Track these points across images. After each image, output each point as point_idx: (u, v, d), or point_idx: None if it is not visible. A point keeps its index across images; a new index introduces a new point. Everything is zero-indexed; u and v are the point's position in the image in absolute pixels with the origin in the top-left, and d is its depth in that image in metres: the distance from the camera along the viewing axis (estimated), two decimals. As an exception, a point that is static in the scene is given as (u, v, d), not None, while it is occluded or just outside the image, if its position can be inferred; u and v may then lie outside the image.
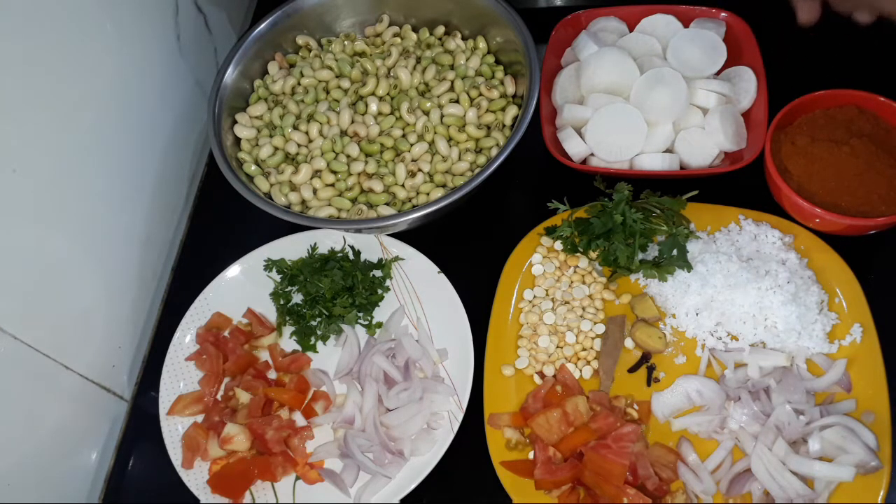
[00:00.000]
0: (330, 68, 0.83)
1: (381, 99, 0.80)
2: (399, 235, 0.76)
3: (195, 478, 0.66)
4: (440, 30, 0.86)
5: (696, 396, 0.63)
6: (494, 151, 0.76)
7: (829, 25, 0.84)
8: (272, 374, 0.72)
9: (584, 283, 0.71)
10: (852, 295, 0.66)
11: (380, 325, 0.73)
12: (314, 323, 0.73)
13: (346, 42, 0.86)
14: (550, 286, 0.71)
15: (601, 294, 0.70)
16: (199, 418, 0.69)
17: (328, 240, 0.76)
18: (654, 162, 0.73)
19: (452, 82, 0.80)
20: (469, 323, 0.69)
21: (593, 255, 0.72)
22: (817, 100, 0.70)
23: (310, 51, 0.87)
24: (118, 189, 0.75)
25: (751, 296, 0.65)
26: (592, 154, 0.76)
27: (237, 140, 0.81)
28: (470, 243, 0.78)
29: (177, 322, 0.74)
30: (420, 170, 0.75)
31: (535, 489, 0.61)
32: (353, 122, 0.78)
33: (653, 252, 0.70)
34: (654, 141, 0.74)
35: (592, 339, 0.68)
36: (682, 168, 0.74)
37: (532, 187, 0.82)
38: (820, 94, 0.69)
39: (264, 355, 0.73)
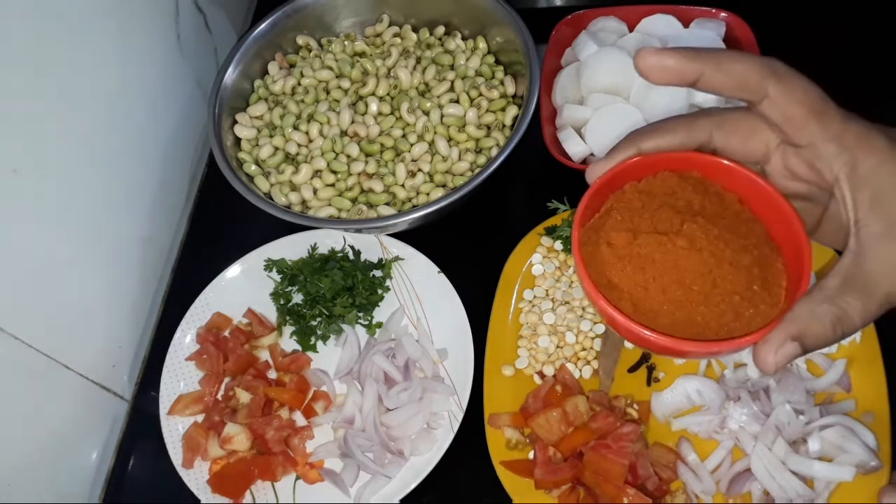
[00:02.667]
0: (330, 68, 0.83)
1: (381, 99, 0.80)
2: (399, 235, 0.76)
3: (195, 478, 0.66)
4: (440, 30, 0.86)
5: (695, 396, 0.63)
6: (494, 151, 0.76)
7: (829, 25, 0.84)
8: (272, 374, 0.72)
9: (584, 283, 0.71)
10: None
11: (380, 325, 0.73)
12: (314, 323, 0.73)
13: (346, 42, 0.86)
14: (550, 286, 0.71)
15: (601, 294, 0.70)
16: (200, 418, 0.69)
17: (328, 240, 0.76)
18: (653, 162, 0.73)
19: (452, 82, 0.80)
20: (469, 323, 0.69)
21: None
22: (621, 173, 0.40)
23: (310, 51, 0.87)
24: (118, 189, 0.75)
25: (750, 296, 0.64)
26: (592, 154, 0.76)
27: (237, 140, 0.81)
28: (470, 243, 0.78)
29: (177, 322, 0.74)
30: (420, 170, 0.75)
31: (535, 489, 0.61)
32: (353, 122, 0.78)
33: (653, 252, 0.70)
34: (654, 141, 0.74)
35: (592, 339, 0.68)
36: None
37: (532, 187, 0.82)
38: (624, 167, 0.39)
39: (264, 355, 0.73)
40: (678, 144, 0.37)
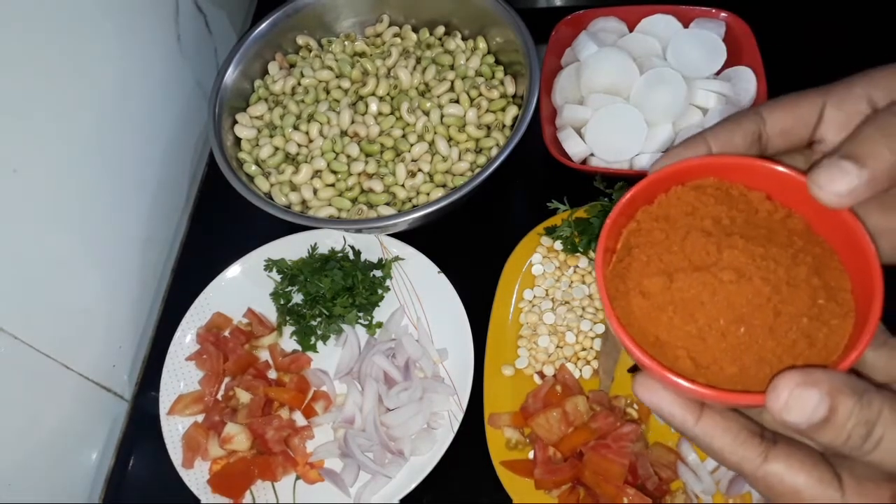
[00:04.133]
0: (330, 68, 0.83)
1: (381, 99, 0.80)
2: (399, 235, 0.76)
3: (195, 477, 0.66)
4: (440, 30, 0.86)
5: (696, 396, 0.63)
6: (494, 151, 0.76)
7: (829, 25, 0.84)
8: (272, 374, 0.72)
9: (583, 283, 0.71)
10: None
11: (380, 324, 0.73)
12: (314, 323, 0.73)
13: (346, 42, 0.86)
14: (550, 286, 0.71)
15: (601, 294, 0.70)
16: (200, 418, 0.69)
17: (328, 240, 0.76)
18: (654, 162, 0.73)
19: (452, 82, 0.80)
20: (469, 323, 0.69)
21: (593, 255, 0.72)
22: (632, 199, 0.33)
23: (310, 51, 0.87)
24: (118, 189, 0.75)
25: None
26: (592, 154, 0.76)
27: (237, 140, 0.81)
28: (470, 243, 0.78)
29: (177, 322, 0.74)
30: (420, 170, 0.75)
31: (535, 489, 0.61)
32: (353, 122, 0.78)
33: (653, 252, 0.70)
34: (654, 141, 0.74)
35: (592, 339, 0.68)
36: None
37: (532, 187, 0.82)
38: (633, 193, 0.33)
39: (264, 355, 0.73)
40: (749, 135, 0.32)
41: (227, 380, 0.71)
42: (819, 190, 0.28)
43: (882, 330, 0.30)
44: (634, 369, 0.67)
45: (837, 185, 0.27)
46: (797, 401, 0.26)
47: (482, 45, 0.83)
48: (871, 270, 0.29)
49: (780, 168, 0.31)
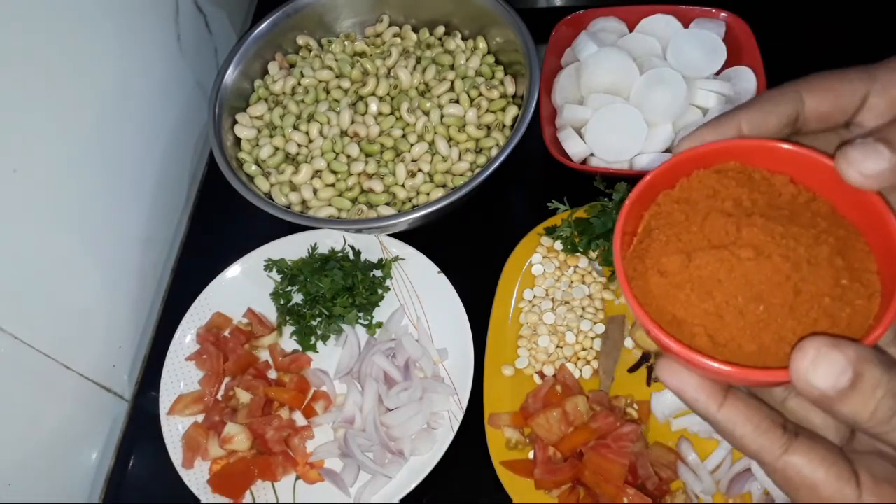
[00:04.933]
0: (330, 68, 0.83)
1: (381, 99, 0.80)
2: (399, 235, 0.76)
3: (195, 477, 0.66)
4: (440, 30, 0.86)
5: (696, 396, 0.63)
6: (494, 151, 0.76)
7: (829, 25, 0.84)
8: (272, 374, 0.72)
9: (583, 283, 0.71)
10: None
11: (380, 324, 0.73)
12: (314, 323, 0.73)
13: (346, 42, 0.86)
14: (550, 286, 0.71)
15: (601, 294, 0.70)
16: (200, 418, 0.69)
17: (328, 240, 0.76)
18: (654, 162, 0.73)
19: (452, 82, 0.80)
20: (469, 323, 0.69)
21: (593, 255, 0.72)
22: (651, 183, 0.33)
23: (310, 51, 0.87)
24: (118, 189, 0.75)
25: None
26: (592, 154, 0.76)
27: (237, 140, 0.81)
28: (470, 243, 0.78)
29: (177, 322, 0.74)
30: (420, 170, 0.75)
31: (535, 489, 0.61)
32: (353, 122, 0.78)
33: (653, 252, 0.70)
34: (654, 141, 0.74)
35: (592, 339, 0.68)
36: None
37: (532, 187, 0.82)
38: (653, 176, 0.32)
39: (264, 355, 0.73)
40: (785, 117, 0.31)
41: (227, 380, 0.71)
42: (848, 166, 0.27)
43: None
44: (634, 369, 0.67)
45: (868, 164, 0.27)
46: (824, 361, 0.25)
47: (482, 45, 0.83)
48: (885, 223, 0.28)
49: (806, 151, 0.30)
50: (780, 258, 0.29)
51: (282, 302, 0.74)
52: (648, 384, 0.66)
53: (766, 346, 0.29)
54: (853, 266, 0.30)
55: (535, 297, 0.71)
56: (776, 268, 0.29)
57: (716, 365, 0.27)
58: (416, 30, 0.87)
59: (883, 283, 0.29)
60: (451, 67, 0.81)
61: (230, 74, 0.81)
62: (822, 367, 0.25)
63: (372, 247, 0.76)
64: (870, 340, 0.27)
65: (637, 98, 0.75)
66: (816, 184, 0.31)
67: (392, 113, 0.80)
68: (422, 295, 0.73)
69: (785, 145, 0.31)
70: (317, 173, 0.77)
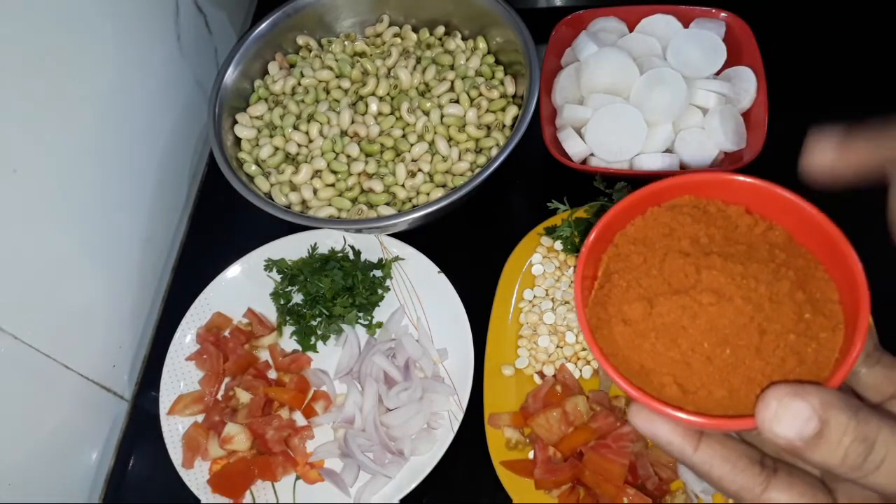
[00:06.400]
0: (330, 68, 0.83)
1: (381, 99, 0.80)
2: (399, 235, 0.76)
3: (195, 477, 0.66)
4: (440, 30, 0.86)
5: (696, 396, 0.63)
6: (494, 151, 0.76)
7: (829, 25, 0.84)
8: (272, 374, 0.72)
9: (584, 283, 0.71)
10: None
11: (380, 324, 0.73)
12: (314, 323, 0.73)
13: (346, 42, 0.86)
14: (550, 286, 0.71)
15: (601, 294, 0.70)
16: (200, 418, 0.69)
17: (328, 240, 0.76)
18: (654, 162, 0.73)
19: (452, 82, 0.80)
20: (469, 323, 0.69)
21: (593, 255, 0.72)
22: (608, 225, 0.33)
23: (310, 51, 0.87)
24: (118, 189, 0.75)
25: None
26: (592, 154, 0.76)
27: (237, 140, 0.81)
28: (470, 243, 0.78)
29: (177, 322, 0.74)
30: (420, 170, 0.75)
31: (535, 489, 0.61)
32: (353, 122, 0.78)
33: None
34: (654, 141, 0.74)
35: (592, 338, 0.68)
36: (682, 168, 0.74)
37: (532, 187, 0.82)
38: (608, 217, 0.32)
39: (264, 355, 0.73)
40: None
41: (227, 380, 0.71)
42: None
43: (875, 347, 0.30)
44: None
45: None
46: (786, 411, 0.25)
47: (482, 45, 0.83)
48: (856, 280, 0.28)
49: (760, 182, 0.31)
50: (742, 300, 0.29)
51: (282, 302, 0.74)
52: (648, 384, 0.66)
53: (735, 390, 0.28)
54: (815, 298, 0.30)
55: (535, 296, 0.71)
56: (738, 310, 0.29)
57: (685, 416, 0.28)
58: (416, 30, 0.87)
59: (845, 313, 0.29)
60: (451, 67, 0.81)
61: (230, 74, 0.81)
62: (785, 418, 0.25)
63: (372, 247, 0.76)
64: (834, 382, 0.27)
65: (637, 98, 0.75)
66: (771, 212, 0.32)
67: (392, 113, 0.80)
68: (422, 295, 0.73)
69: (736, 176, 0.31)
70: (317, 173, 0.77)
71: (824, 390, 0.26)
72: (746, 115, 0.76)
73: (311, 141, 0.79)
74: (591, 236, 0.32)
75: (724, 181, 0.31)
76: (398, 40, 0.86)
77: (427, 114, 0.78)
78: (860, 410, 0.26)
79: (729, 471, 0.28)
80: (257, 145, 0.80)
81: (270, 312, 0.75)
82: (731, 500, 0.59)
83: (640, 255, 0.32)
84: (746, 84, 0.76)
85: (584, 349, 0.68)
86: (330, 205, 0.76)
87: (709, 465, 0.28)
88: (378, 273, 0.74)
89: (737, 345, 0.29)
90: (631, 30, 0.82)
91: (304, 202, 0.77)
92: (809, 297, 0.29)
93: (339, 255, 0.76)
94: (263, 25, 0.84)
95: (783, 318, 0.29)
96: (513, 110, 0.78)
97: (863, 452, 0.25)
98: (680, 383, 0.29)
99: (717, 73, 0.78)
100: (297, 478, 0.66)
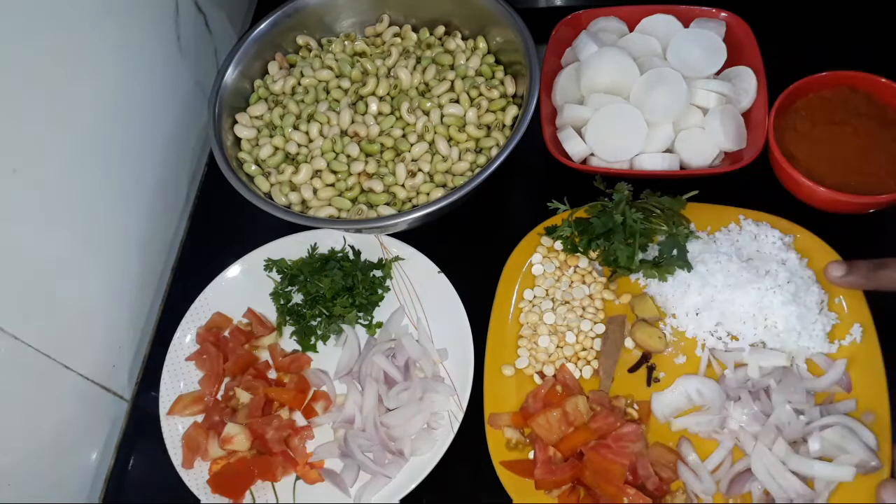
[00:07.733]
0: (330, 68, 0.83)
1: (381, 99, 0.80)
2: (399, 235, 0.76)
3: (195, 478, 0.66)
4: (440, 30, 0.86)
5: (696, 396, 0.63)
6: (494, 151, 0.76)
7: (829, 25, 0.84)
8: (272, 374, 0.72)
9: (584, 283, 0.71)
10: (852, 294, 0.66)
11: (380, 325, 0.73)
12: (314, 323, 0.73)
13: (346, 42, 0.86)
14: (550, 286, 0.71)
15: (601, 294, 0.70)
16: (200, 418, 0.69)
17: (328, 240, 0.76)
18: (654, 162, 0.73)
19: (452, 82, 0.80)
20: (469, 323, 0.69)
21: (593, 255, 0.72)
22: (811, 84, 0.72)
23: (310, 51, 0.87)
24: (118, 189, 0.75)
25: (751, 296, 0.65)
26: (592, 154, 0.76)
27: (237, 140, 0.81)
28: (470, 243, 0.78)
29: (177, 322, 0.74)
30: (420, 170, 0.75)
31: (535, 489, 0.61)
32: (353, 122, 0.78)
33: (653, 252, 0.70)
34: (654, 141, 0.74)
35: (592, 339, 0.68)
36: (682, 168, 0.74)
37: (532, 187, 0.82)
38: (814, 78, 0.72)
39: (264, 355, 0.73)
40: None
41: (227, 380, 0.71)
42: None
43: None
44: (634, 369, 0.67)
45: None
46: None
47: (482, 45, 0.83)
48: None
49: (884, 80, 0.67)
50: (866, 139, 0.66)
51: (282, 302, 0.74)
52: (648, 384, 0.66)
53: (837, 186, 0.65)
54: None
55: (535, 297, 0.71)
56: (860, 144, 0.67)
57: (803, 180, 0.66)
58: (416, 30, 0.87)
59: None
60: (451, 67, 0.81)
61: (230, 74, 0.81)
62: None
63: (372, 247, 0.76)
64: None
65: (637, 98, 0.75)
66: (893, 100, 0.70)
67: (392, 113, 0.80)
68: (422, 295, 0.73)
69: (882, 79, 0.70)
70: (317, 173, 0.77)
71: None
72: (746, 115, 0.76)
73: (311, 141, 0.79)
74: (791, 87, 0.71)
75: (889, 86, 0.69)
76: (398, 40, 0.86)
77: (427, 114, 0.78)
78: None
79: None
80: (257, 145, 0.80)
81: (270, 312, 0.75)
82: (731, 502, 0.59)
83: (821, 103, 0.69)
84: (746, 84, 0.76)
85: (584, 349, 0.68)
86: (330, 205, 0.76)
87: None
88: (378, 273, 0.74)
89: (848, 161, 0.67)
90: (631, 30, 0.82)
91: (304, 202, 0.77)
92: None
93: (339, 255, 0.76)
94: (263, 25, 0.84)
95: (883, 161, 0.67)
96: (513, 110, 0.78)
97: None
98: (808, 169, 0.67)
99: (718, 73, 0.78)
100: (297, 478, 0.66)
